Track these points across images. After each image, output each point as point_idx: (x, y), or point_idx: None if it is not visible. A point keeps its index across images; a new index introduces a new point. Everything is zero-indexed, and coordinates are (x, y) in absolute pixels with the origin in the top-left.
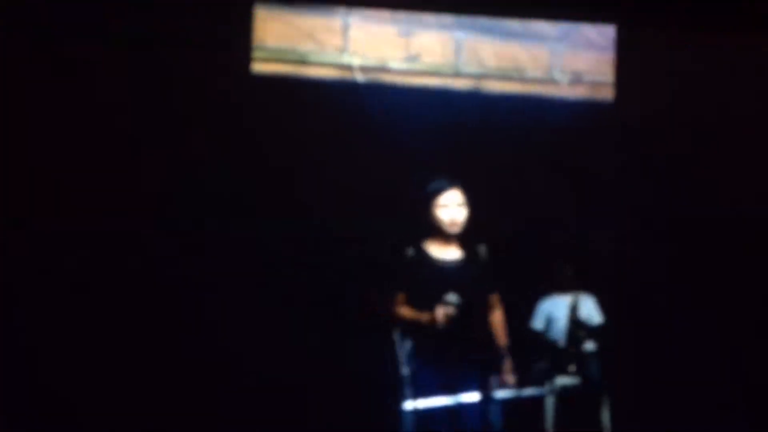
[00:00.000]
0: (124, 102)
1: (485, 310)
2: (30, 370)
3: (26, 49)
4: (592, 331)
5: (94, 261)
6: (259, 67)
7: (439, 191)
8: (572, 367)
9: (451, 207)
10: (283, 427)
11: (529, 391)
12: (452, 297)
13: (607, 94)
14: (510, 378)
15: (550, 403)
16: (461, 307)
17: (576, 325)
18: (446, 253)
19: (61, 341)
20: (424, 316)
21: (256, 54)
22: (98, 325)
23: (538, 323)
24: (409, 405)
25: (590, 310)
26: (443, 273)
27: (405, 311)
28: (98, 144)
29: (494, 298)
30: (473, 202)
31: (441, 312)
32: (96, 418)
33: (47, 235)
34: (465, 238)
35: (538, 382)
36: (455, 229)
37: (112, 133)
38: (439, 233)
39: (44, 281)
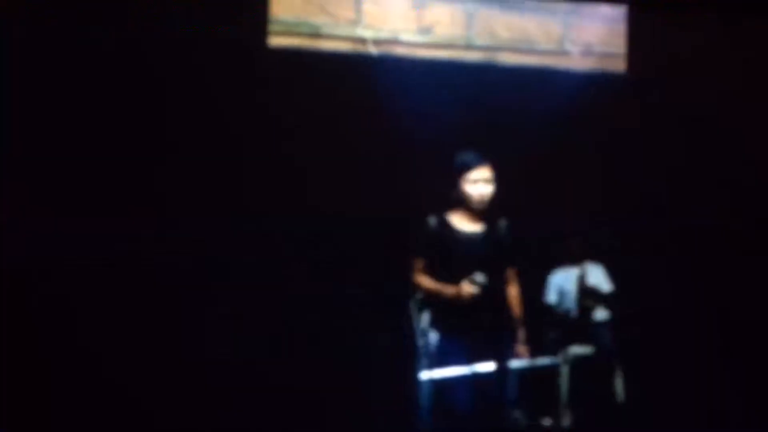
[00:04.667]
0: (139, 78)
1: (503, 283)
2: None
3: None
4: (600, 299)
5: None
6: (275, 40)
7: (469, 167)
8: (583, 337)
9: (480, 183)
10: (296, 397)
11: (543, 361)
12: (480, 277)
13: (617, 65)
14: (523, 350)
15: (564, 372)
16: (485, 287)
17: (584, 293)
18: (468, 225)
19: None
20: (448, 290)
21: (272, 27)
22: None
23: (551, 296)
24: (426, 375)
25: (599, 279)
26: (465, 245)
27: (426, 282)
28: (112, 121)
29: (511, 272)
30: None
31: (467, 290)
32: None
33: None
34: (487, 212)
35: (551, 352)
36: (483, 205)
37: (126, 109)
38: (465, 207)
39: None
